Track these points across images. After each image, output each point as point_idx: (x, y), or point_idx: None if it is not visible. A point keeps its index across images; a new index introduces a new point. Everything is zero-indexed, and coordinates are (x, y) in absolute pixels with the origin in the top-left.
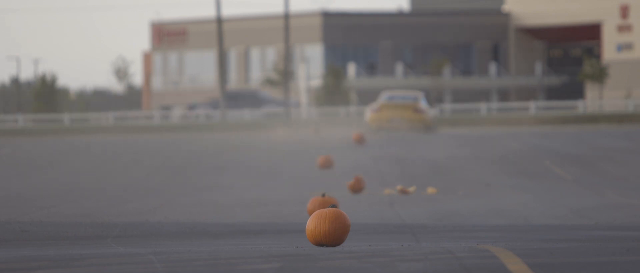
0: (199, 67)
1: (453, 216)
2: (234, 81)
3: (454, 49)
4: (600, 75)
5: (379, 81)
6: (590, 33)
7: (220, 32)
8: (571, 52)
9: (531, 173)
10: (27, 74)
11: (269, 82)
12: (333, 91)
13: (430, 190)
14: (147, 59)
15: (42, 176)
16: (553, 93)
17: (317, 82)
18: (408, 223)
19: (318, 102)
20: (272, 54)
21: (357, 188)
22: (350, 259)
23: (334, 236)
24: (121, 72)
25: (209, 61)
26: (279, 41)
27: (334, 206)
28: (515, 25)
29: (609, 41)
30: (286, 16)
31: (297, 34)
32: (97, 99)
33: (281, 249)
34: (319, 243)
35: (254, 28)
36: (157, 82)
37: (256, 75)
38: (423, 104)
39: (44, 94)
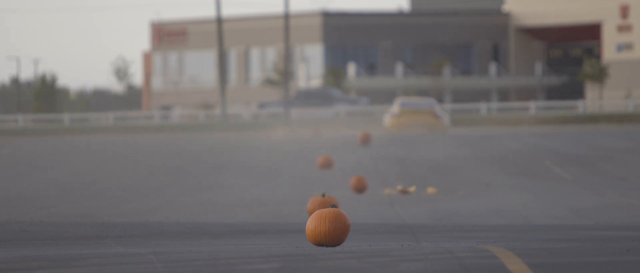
0: (199, 67)
1: (453, 216)
2: (234, 81)
3: (454, 49)
4: (600, 75)
5: (379, 81)
6: (590, 33)
7: (220, 32)
8: (571, 52)
9: (531, 173)
10: (27, 74)
11: (269, 82)
12: None
13: (431, 190)
14: (147, 59)
15: (42, 176)
16: (553, 93)
17: (317, 82)
18: (408, 223)
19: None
20: (272, 54)
21: (359, 188)
22: (351, 259)
23: (334, 236)
24: (121, 72)
25: (209, 61)
26: (279, 41)
27: (334, 206)
28: (515, 25)
29: (609, 41)
30: (286, 16)
31: (297, 34)
32: (97, 99)
33: (281, 249)
34: (319, 243)
35: (254, 28)
36: (157, 82)
37: (256, 75)
38: (439, 110)
39: (44, 94)
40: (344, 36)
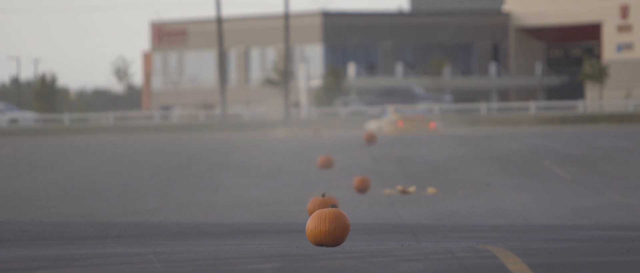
0: (199, 67)
1: (453, 216)
2: (233, 81)
3: (454, 49)
4: (600, 75)
5: (379, 81)
6: (590, 33)
7: (220, 32)
8: (571, 52)
9: (531, 173)
10: (27, 74)
11: (269, 82)
12: (333, 91)
13: (431, 190)
14: (147, 59)
15: (42, 176)
16: (553, 93)
17: (317, 82)
18: (408, 223)
19: (318, 102)
20: (272, 54)
21: (362, 188)
22: (351, 259)
23: (334, 236)
24: (121, 72)
25: (209, 61)
26: (279, 41)
27: (334, 206)
28: (515, 25)
29: (609, 41)
30: (286, 16)
31: (297, 34)
32: (97, 99)
33: (281, 249)
34: (319, 243)
35: (254, 28)
36: (157, 82)
37: (256, 75)
38: (436, 117)
39: (44, 94)
40: (344, 36)
